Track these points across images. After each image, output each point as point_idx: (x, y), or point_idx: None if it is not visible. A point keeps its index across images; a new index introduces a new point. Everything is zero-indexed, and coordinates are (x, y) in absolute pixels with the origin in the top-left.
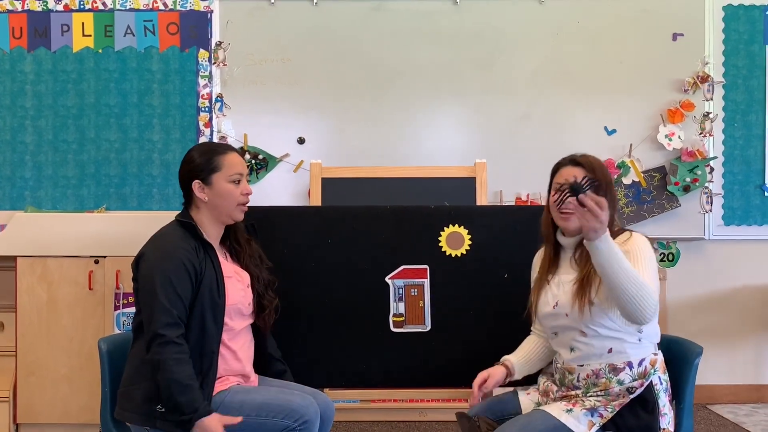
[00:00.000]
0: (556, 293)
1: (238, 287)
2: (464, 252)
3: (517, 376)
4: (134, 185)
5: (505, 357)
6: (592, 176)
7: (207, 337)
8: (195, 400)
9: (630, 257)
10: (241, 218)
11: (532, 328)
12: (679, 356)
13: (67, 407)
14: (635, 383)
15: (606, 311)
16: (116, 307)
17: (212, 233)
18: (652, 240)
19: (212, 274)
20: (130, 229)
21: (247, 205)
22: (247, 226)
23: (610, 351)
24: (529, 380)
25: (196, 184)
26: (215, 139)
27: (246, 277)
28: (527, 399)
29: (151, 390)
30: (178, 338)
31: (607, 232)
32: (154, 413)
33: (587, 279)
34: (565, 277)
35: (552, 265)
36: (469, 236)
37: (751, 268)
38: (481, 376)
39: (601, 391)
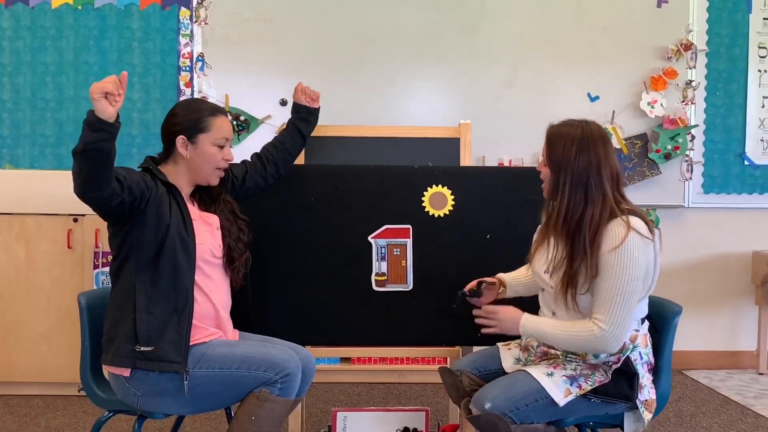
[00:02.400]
0: (548, 259)
1: (204, 228)
2: (447, 212)
3: (509, 293)
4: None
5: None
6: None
7: (180, 274)
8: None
9: (600, 277)
10: (216, 183)
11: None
12: (658, 316)
13: (45, 365)
14: (612, 358)
15: (592, 295)
16: (95, 266)
17: (182, 187)
18: None
19: (178, 212)
20: None
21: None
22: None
23: None
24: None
25: (180, 140)
26: None
27: (214, 220)
28: (509, 355)
29: (130, 331)
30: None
31: (523, 320)
32: (134, 353)
33: (574, 276)
34: (557, 245)
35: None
36: (453, 196)
37: (730, 236)
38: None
39: (578, 358)
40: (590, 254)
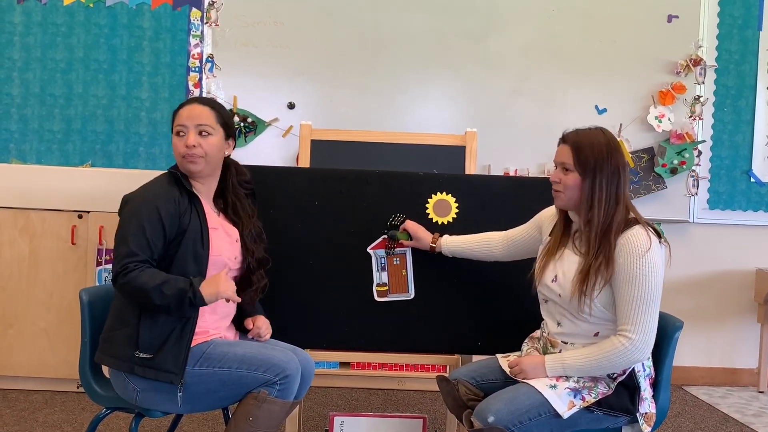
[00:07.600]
0: (558, 268)
1: (224, 239)
2: (451, 220)
3: (444, 251)
4: (120, 143)
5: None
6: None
7: None
8: (178, 282)
9: (623, 286)
10: (191, 170)
11: (500, 234)
12: (659, 330)
13: (44, 361)
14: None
15: (600, 304)
16: (98, 263)
17: (198, 187)
18: None
19: (197, 225)
20: (116, 184)
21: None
22: (248, 194)
23: (596, 335)
24: (510, 346)
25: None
26: None
27: (234, 231)
28: (508, 366)
29: (132, 336)
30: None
31: (546, 360)
32: (133, 359)
33: (588, 275)
34: (569, 256)
35: (563, 235)
36: (457, 204)
37: (733, 253)
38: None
39: None
40: (610, 256)
